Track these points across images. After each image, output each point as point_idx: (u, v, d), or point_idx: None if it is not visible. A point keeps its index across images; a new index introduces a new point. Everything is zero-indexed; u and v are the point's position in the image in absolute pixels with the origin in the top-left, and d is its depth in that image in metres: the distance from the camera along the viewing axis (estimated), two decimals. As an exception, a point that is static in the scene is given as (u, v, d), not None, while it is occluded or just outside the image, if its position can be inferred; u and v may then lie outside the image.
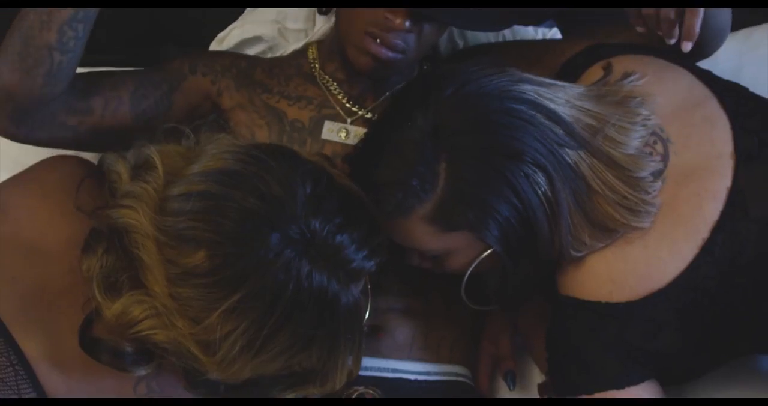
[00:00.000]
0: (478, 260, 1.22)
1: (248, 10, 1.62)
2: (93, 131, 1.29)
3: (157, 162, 1.09)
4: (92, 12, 1.19)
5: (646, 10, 1.15)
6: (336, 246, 1.05)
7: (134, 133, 1.20)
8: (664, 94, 1.23)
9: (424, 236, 1.20)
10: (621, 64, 1.27)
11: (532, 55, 1.46)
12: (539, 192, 1.14)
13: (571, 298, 1.20)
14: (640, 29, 1.19)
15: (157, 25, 1.70)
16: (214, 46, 1.63)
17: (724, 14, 1.32)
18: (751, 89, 1.43)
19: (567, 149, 1.15)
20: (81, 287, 1.09)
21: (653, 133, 1.20)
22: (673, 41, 1.17)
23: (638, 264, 1.17)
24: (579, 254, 1.19)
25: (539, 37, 1.69)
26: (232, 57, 1.47)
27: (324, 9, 1.50)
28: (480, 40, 1.67)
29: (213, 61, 1.42)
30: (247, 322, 1.02)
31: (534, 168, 1.14)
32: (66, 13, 1.17)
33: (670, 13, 1.15)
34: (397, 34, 1.29)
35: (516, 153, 1.14)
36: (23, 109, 1.21)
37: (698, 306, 1.17)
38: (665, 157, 1.19)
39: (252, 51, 1.60)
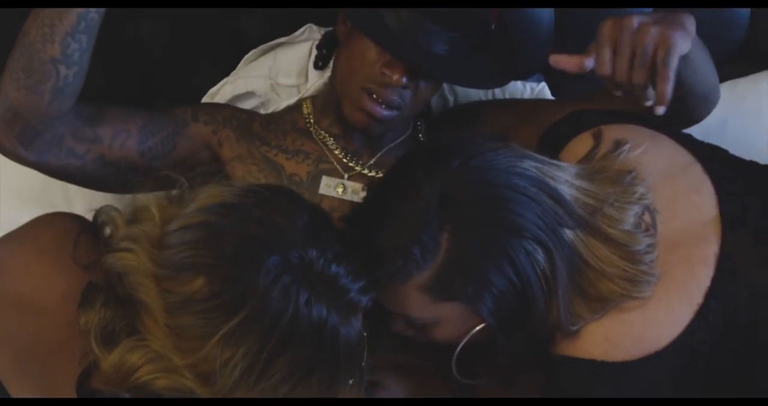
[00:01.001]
0: (470, 335, 1.21)
1: (240, 65, 1.63)
2: (99, 162, 1.29)
3: (153, 209, 1.09)
4: (94, 22, 1.19)
5: (618, 76, 1.17)
6: (332, 275, 1.06)
7: (136, 172, 1.20)
8: (648, 162, 1.24)
9: (417, 303, 1.19)
10: (610, 132, 1.28)
11: (524, 114, 1.48)
12: (538, 269, 1.15)
13: (566, 357, 1.20)
14: (617, 93, 1.21)
15: (147, 80, 1.71)
16: (207, 99, 1.64)
17: (710, 78, 1.34)
18: (737, 142, 1.46)
19: (566, 229, 1.16)
20: (77, 341, 1.08)
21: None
22: (649, 103, 1.19)
23: (635, 326, 1.17)
24: (575, 328, 1.18)
25: (527, 91, 1.71)
26: (232, 109, 1.48)
27: (320, 63, 1.52)
28: (470, 96, 1.69)
29: (214, 111, 1.43)
30: (246, 346, 1.01)
31: (534, 245, 1.14)
32: (68, 24, 1.17)
33: (640, 78, 1.17)
34: (394, 90, 1.30)
35: (518, 229, 1.14)
36: (31, 129, 1.20)
37: (693, 369, 1.17)
38: (654, 228, 1.20)
39: (244, 107, 1.60)
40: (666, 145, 1.28)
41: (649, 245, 1.18)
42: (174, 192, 1.15)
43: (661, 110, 1.17)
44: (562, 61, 1.21)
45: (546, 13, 1.67)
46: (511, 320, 1.17)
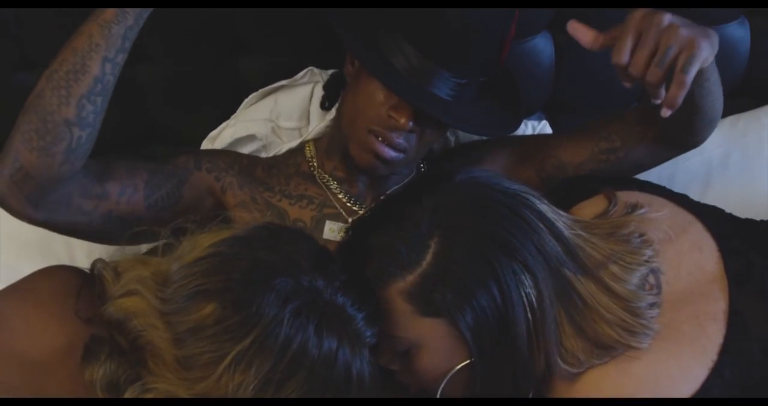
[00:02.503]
0: (453, 371, 1.19)
1: (241, 108, 1.63)
2: (107, 217, 1.28)
3: (159, 253, 1.11)
4: (110, 84, 1.19)
5: (633, 68, 1.13)
6: (340, 303, 1.08)
7: (143, 224, 1.20)
8: (652, 225, 1.24)
9: (399, 315, 1.17)
10: (622, 196, 1.27)
11: (523, 151, 1.47)
12: (522, 292, 1.14)
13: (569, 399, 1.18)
14: (626, 84, 1.16)
15: (146, 124, 1.70)
16: (205, 146, 1.63)
17: (718, 103, 1.34)
18: (739, 176, 1.46)
19: (566, 269, 1.15)
20: (80, 395, 1.08)
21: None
22: (657, 101, 1.15)
23: (647, 382, 1.16)
24: (573, 370, 1.17)
25: (529, 129, 1.71)
26: (234, 155, 1.47)
27: (327, 104, 1.51)
28: (472, 136, 1.67)
29: (216, 158, 1.42)
30: (257, 367, 1.01)
31: (523, 268, 1.14)
32: (85, 86, 1.17)
33: (654, 77, 1.12)
34: (400, 134, 1.30)
35: (510, 247, 1.14)
36: (41, 190, 1.19)
37: None
38: (658, 288, 1.20)
39: (246, 150, 1.60)
40: (665, 206, 1.28)
41: (652, 304, 1.17)
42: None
43: (667, 113, 1.14)
44: (579, 30, 1.16)
45: (547, 51, 1.68)
46: (490, 344, 1.15)
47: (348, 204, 1.42)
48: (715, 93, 1.29)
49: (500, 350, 1.16)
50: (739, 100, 1.78)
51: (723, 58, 1.71)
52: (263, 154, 1.60)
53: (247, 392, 1.02)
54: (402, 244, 1.16)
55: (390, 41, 1.30)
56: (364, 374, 1.08)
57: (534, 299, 1.14)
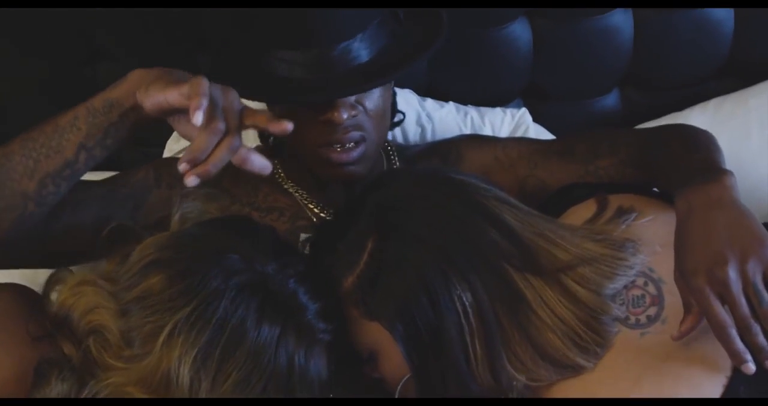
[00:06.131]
0: (403, 381, 1.12)
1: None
2: (54, 252, 1.21)
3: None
4: (79, 173, 1.14)
5: (743, 327, 1.01)
6: (290, 291, 1.06)
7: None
8: (650, 231, 1.16)
9: (351, 319, 1.13)
10: (614, 200, 1.21)
11: (508, 163, 1.41)
12: (455, 298, 1.07)
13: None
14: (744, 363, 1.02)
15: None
16: (171, 143, 1.59)
17: None
18: (726, 160, 1.40)
19: (513, 271, 1.08)
20: None
21: (643, 274, 1.13)
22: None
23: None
24: (532, 383, 1.09)
25: (508, 117, 1.67)
26: None
27: (271, 139, 1.43)
28: (448, 124, 1.65)
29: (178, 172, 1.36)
30: (194, 340, 1.01)
31: (457, 272, 1.07)
32: (53, 165, 1.12)
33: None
34: (346, 128, 1.25)
35: (444, 250, 1.08)
36: None
37: None
38: (660, 299, 1.11)
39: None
40: (663, 211, 1.20)
41: (615, 319, 1.09)
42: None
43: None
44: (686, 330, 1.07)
45: (525, 37, 1.64)
46: (425, 354, 1.08)
47: (322, 214, 1.36)
48: None
49: (435, 360, 1.09)
50: (724, 81, 1.76)
51: (706, 38, 1.73)
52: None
53: (187, 368, 1.00)
54: (339, 242, 1.13)
55: (267, 60, 1.25)
56: (308, 368, 1.06)
57: (469, 305, 1.07)
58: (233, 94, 1.07)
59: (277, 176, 1.38)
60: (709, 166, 1.15)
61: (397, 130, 1.63)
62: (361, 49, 1.25)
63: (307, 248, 1.20)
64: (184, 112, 1.06)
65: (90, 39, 1.58)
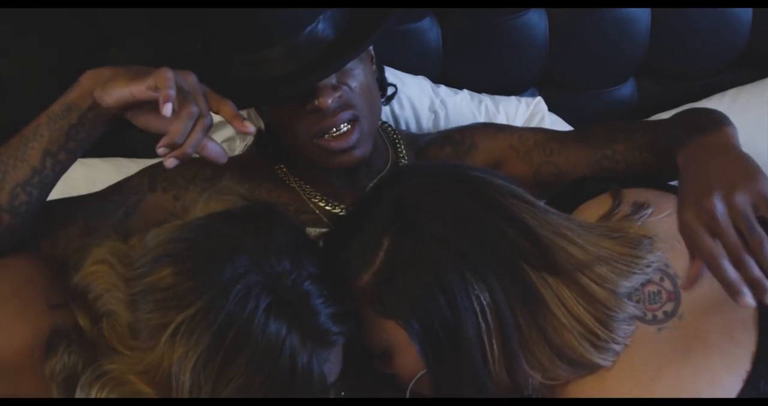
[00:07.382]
0: (416, 378, 1.12)
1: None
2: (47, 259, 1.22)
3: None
4: (49, 179, 1.15)
5: (737, 260, 0.97)
6: (303, 292, 1.03)
7: None
8: (667, 226, 1.14)
9: (366, 316, 1.12)
10: (630, 195, 1.19)
11: (524, 150, 1.39)
12: (473, 298, 1.06)
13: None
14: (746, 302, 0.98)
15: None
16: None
17: None
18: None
19: (530, 271, 1.07)
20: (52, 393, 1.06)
21: (659, 270, 1.11)
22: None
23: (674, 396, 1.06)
24: (549, 382, 1.08)
25: (523, 106, 1.66)
26: (196, 167, 1.35)
27: (270, 148, 1.40)
28: (461, 109, 1.63)
29: (175, 174, 1.33)
30: (197, 341, 0.99)
31: (474, 272, 1.06)
32: (21, 174, 1.13)
33: (759, 245, 0.96)
34: (334, 111, 1.23)
35: (461, 249, 1.07)
36: None
37: None
38: (676, 295, 1.10)
39: (218, 136, 1.54)
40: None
41: (632, 317, 1.08)
42: None
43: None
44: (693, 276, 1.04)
45: (541, 26, 1.62)
46: (441, 353, 1.07)
47: (327, 207, 1.35)
48: None
49: (452, 359, 1.08)
50: (741, 72, 1.75)
51: (723, 29, 1.72)
52: (237, 142, 1.56)
53: (188, 373, 0.99)
54: (355, 239, 1.11)
55: (239, 65, 1.24)
56: (311, 370, 1.03)
57: (486, 305, 1.06)
58: (193, 78, 1.09)
59: (280, 173, 1.37)
60: (712, 124, 1.14)
61: (410, 116, 1.62)
62: (326, 29, 1.23)
63: (321, 243, 1.19)
64: (145, 105, 1.09)
65: (101, 26, 1.57)
